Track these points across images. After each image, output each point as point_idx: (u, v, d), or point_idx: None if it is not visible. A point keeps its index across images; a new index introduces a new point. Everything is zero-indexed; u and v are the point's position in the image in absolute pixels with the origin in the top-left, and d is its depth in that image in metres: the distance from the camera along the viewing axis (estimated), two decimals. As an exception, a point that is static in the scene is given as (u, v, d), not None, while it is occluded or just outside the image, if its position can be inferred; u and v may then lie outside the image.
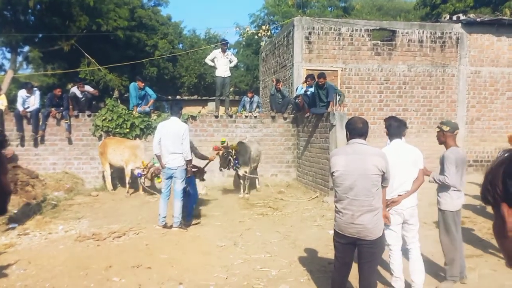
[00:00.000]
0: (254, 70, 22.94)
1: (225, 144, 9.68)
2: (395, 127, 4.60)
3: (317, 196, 9.93)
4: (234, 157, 9.69)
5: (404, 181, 4.41)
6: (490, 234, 6.72)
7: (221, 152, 9.56)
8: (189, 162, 7.12)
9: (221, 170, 9.87)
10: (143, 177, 9.90)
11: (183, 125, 7.08)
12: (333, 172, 3.76)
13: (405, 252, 4.68)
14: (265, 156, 11.80)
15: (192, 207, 7.61)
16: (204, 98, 23.88)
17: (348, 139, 3.86)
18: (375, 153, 3.73)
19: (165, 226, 6.99)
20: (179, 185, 7.00)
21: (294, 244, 6.45)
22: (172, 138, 6.88)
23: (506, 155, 1.18)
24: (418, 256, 4.61)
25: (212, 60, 11.94)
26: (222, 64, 11.82)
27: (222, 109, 12.34)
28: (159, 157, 7.19)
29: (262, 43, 19.16)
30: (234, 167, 9.85)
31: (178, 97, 24.95)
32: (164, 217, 7.05)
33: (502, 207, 1.11)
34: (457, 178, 4.76)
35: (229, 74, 12.05)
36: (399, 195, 4.43)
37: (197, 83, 25.73)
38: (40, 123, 10.81)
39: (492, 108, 13.15)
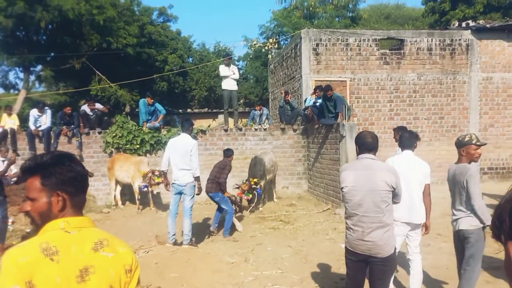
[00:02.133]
0: (263, 82, 22.98)
1: (246, 184, 9.51)
2: (407, 139, 4.66)
3: (328, 208, 9.82)
4: (257, 188, 9.62)
5: (416, 192, 4.37)
6: (502, 252, 6.54)
7: (249, 196, 9.44)
8: (198, 178, 7.13)
9: (253, 211, 9.73)
10: (148, 188, 9.90)
11: (191, 141, 7.11)
12: (342, 187, 3.72)
13: (406, 264, 4.66)
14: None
15: (228, 224, 7.76)
16: (214, 110, 23.99)
17: (357, 154, 3.80)
18: (384, 168, 3.66)
19: (175, 244, 6.98)
20: (188, 202, 7.01)
21: (305, 259, 6.36)
22: (181, 154, 6.94)
23: None
24: (419, 270, 4.65)
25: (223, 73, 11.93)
26: (228, 77, 11.86)
27: (232, 122, 12.35)
28: (165, 174, 7.44)
29: (270, 56, 19.22)
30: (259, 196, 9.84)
31: (188, 110, 25.11)
32: (174, 234, 7.05)
33: (508, 246, 1.04)
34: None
35: (236, 88, 12.00)
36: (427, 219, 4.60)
37: (207, 95, 25.87)
38: (52, 141, 10.93)
39: (506, 114, 12.92)
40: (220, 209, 7.89)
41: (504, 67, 12.88)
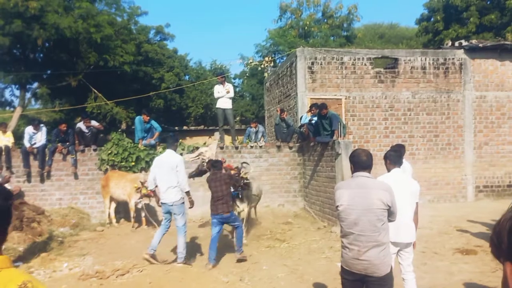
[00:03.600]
0: (259, 99, 23.13)
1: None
2: (395, 157, 4.65)
3: (325, 226, 9.76)
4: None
5: (403, 211, 4.34)
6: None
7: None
8: (188, 193, 7.04)
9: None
10: (142, 200, 9.82)
11: (176, 157, 7.06)
12: (337, 206, 3.70)
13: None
14: (271, 186, 11.72)
15: (240, 239, 7.25)
16: (210, 128, 24.04)
17: (352, 172, 3.80)
18: (379, 187, 3.65)
19: (152, 256, 6.88)
20: (179, 220, 6.92)
21: (301, 278, 6.29)
22: (166, 171, 6.89)
23: None
24: None
25: (218, 94, 11.97)
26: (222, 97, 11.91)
27: (228, 139, 12.35)
28: (154, 193, 7.47)
29: (266, 74, 19.37)
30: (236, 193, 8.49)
31: (185, 127, 25.16)
32: (153, 249, 6.93)
33: (506, 266, 1.02)
34: None
35: (230, 106, 11.98)
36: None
37: (203, 113, 25.97)
38: (47, 158, 10.89)
39: (500, 132, 13.01)
40: (218, 235, 7.14)
41: (497, 85, 13.02)
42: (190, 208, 7.22)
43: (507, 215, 1.06)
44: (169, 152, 7.15)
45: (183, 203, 6.95)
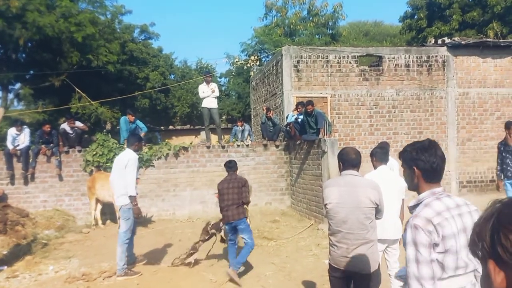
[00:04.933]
0: (246, 98, 23.13)
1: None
2: (381, 154, 4.69)
3: (312, 224, 9.82)
4: None
5: (389, 208, 4.39)
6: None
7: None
8: (132, 198, 6.25)
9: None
10: None
11: (128, 154, 6.39)
12: (326, 204, 3.71)
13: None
14: (258, 185, 11.74)
15: (244, 257, 6.21)
16: (196, 127, 23.98)
17: (340, 170, 3.81)
18: (368, 185, 3.68)
19: (126, 274, 6.26)
20: (122, 226, 6.31)
21: (289, 276, 6.32)
22: (117, 171, 6.38)
23: (497, 206, 1.08)
24: (399, 285, 4.61)
25: (204, 94, 11.92)
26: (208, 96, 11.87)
27: (215, 138, 12.31)
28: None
29: (252, 73, 19.38)
30: None
31: (170, 127, 25.05)
32: (124, 264, 6.32)
33: (489, 265, 1.04)
34: None
35: (215, 106, 11.96)
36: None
37: (189, 112, 25.89)
38: (30, 160, 10.72)
39: (483, 128, 13.23)
40: (234, 244, 6.46)
41: (480, 82, 13.23)
42: (137, 218, 6.39)
43: (486, 215, 1.08)
44: (126, 151, 6.60)
45: (130, 208, 6.29)
